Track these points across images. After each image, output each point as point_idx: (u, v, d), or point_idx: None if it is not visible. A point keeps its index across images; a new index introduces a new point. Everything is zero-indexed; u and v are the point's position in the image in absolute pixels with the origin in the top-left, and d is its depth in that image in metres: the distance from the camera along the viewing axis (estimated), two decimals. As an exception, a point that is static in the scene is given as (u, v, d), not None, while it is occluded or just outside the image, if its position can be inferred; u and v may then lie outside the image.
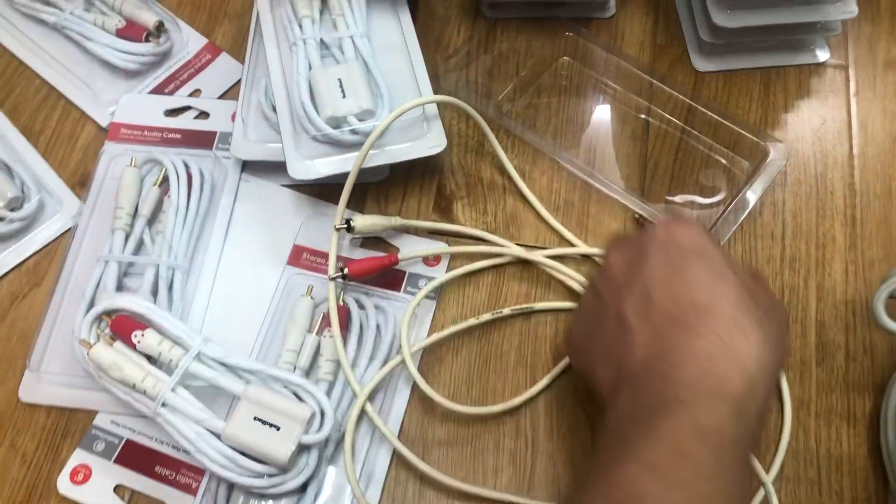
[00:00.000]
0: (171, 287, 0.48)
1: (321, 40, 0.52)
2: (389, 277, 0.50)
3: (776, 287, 0.49)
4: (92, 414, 0.47)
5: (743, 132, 0.53)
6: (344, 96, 0.49)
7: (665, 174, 0.53)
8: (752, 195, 0.51)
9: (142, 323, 0.44)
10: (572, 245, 0.51)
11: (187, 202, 0.51)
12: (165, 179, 0.51)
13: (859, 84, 0.56)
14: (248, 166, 0.53)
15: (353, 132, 0.49)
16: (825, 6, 0.53)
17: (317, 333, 0.47)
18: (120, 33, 0.57)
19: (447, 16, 0.60)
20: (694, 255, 0.37)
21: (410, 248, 0.50)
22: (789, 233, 0.51)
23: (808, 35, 0.56)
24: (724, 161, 0.53)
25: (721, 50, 0.56)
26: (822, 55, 0.57)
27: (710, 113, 0.53)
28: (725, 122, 0.53)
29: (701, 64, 0.57)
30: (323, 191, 0.52)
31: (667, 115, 0.55)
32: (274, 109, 0.51)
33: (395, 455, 0.45)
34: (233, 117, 0.54)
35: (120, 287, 0.49)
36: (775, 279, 0.50)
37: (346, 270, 0.47)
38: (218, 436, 0.41)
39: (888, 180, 0.53)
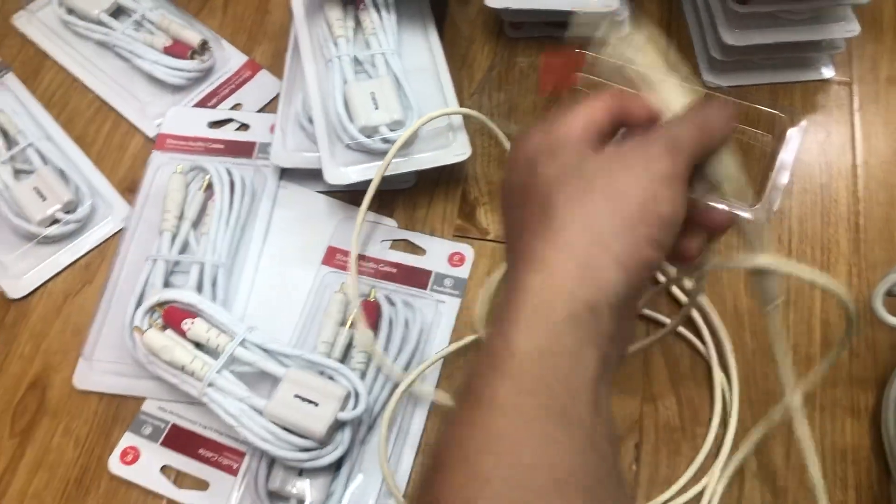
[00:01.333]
0: (214, 283, 0.52)
1: (355, 57, 0.56)
2: (416, 277, 0.53)
3: (783, 288, 0.52)
4: (140, 400, 0.50)
5: (756, 107, 0.56)
6: (376, 108, 0.53)
7: None
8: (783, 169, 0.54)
9: (191, 313, 0.48)
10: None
11: (230, 206, 0.54)
12: (209, 185, 0.55)
13: (862, 99, 0.59)
14: (285, 174, 0.57)
15: (385, 140, 0.52)
16: (829, 25, 0.57)
17: (349, 327, 0.50)
18: (167, 51, 0.61)
19: (472, 35, 0.63)
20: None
21: (436, 252, 0.54)
22: (795, 238, 0.54)
23: (813, 53, 0.59)
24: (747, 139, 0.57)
25: (730, 67, 0.60)
26: (828, 72, 0.60)
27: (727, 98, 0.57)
28: (742, 101, 0.56)
29: (711, 79, 0.60)
30: (355, 196, 0.56)
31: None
32: (311, 121, 0.55)
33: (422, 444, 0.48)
34: (271, 129, 0.58)
35: (167, 284, 0.52)
36: (782, 280, 0.53)
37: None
38: (260, 412, 0.45)
39: (890, 189, 0.56)
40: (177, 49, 0.61)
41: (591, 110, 0.34)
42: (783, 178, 0.55)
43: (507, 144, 0.56)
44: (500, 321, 0.30)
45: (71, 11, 0.64)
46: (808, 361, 0.50)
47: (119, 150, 0.60)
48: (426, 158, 0.53)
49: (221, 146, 0.58)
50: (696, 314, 0.51)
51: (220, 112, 0.60)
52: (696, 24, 0.62)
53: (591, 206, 0.31)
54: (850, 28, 0.57)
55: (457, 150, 0.53)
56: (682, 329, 0.51)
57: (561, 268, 0.30)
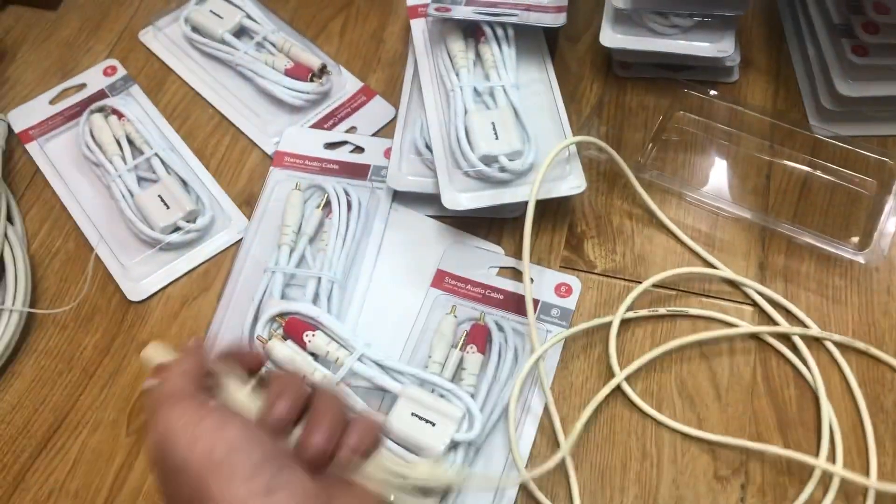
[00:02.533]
0: (329, 298, 0.53)
1: (474, 88, 0.57)
2: (523, 304, 0.54)
3: (891, 341, 0.52)
4: (252, 408, 0.51)
5: (867, 153, 0.57)
6: (496, 138, 0.54)
7: (790, 207, 0.57)
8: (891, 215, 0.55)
9: (312, 325, 0.49)
10: (713, 267, 0.55)
11: (346, 225, 0.56)
12: (327, 203, 0.57)
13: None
14: (397, 197, 0.59)
15: (503, 170, 0.54)
16: (942, 84, 0.57)
17: (460, 349, 0.51)
18: (288, 72, 0.63)
19: (580, 72, 0.65)
20: None
21: (544, 282, 0.55)
22: (904, 290, 0.54)
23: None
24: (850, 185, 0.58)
25: (840, 116, 0.60)
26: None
27: (834, 142, 0.58)
28: (849, 147, 0.58)
29: (819, 129, 0.61)
30: (464, 222, 0.57)
31: (789, 163, 0.59)
32: (427, 147, 0.56)
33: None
34: (385, 153, 0.60)
35: (283, 296, 0.54)
36: (892, 332, 0.52)
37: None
38: (381, 428, 0.46)
39: None
40: (297, 71, 0.63)
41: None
42: (891, 224, 0.56)
43: (625, 167, 0.57)
44: None
45: (196, 29, 0.67)
46: (919, 414, 0.50)
47: (237, 164, 0.62)
48: (543, 189, 0.54)
49: (336, 167, 0.60)
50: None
51: (336, 134, 0.62)
52: (804, 73, 0.63)
53: None
54: (963, 87, 0.57)
55: (572, 182, 0.54)
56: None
57: None
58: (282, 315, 0.50)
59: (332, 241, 0.55)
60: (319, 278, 0.54)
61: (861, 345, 0.52)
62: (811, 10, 0.60)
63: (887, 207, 0.56)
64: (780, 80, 0.64)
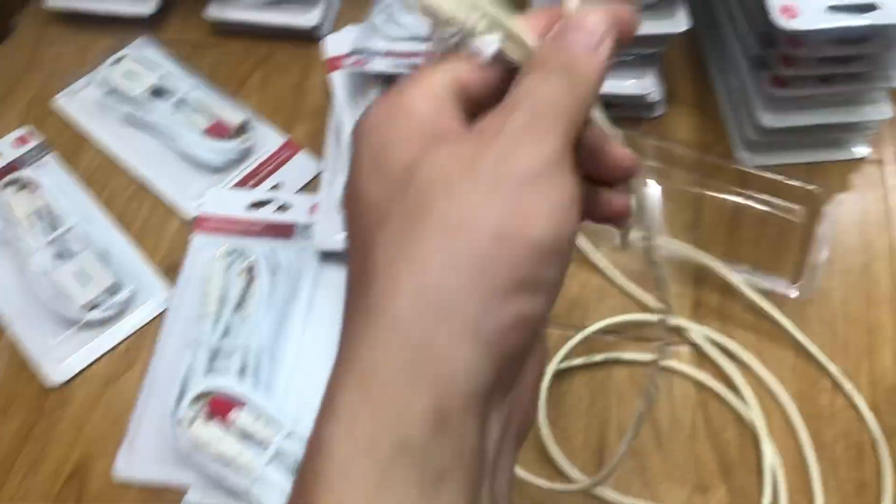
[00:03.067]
0: (258, 368, 0.52)
1: (397, 140, 0.56)
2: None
3: (831, 373, 0.52)
4: (181, 493, 0.49)
5: (793, 182, 0.57)
6: (420, 192, 0.53)
7: (722, 241, 0.57)
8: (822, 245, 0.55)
9: (238, 402, 0.47)
10: (648, 308, 0.55)
11: (272, 289, 0.54)
12: (251, 268, 0.55)
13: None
14: (326, 255, 0.57)
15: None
16: (863, 107, 0.57)
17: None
18: (207, 131, 0.62)
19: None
20: None
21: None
22: (840, 320, 0.54)
23: (847, 133, 0.60)
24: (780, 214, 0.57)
25: (765, 147, 0.60)
26: (861, 151, 0.61)
27: (761, 174, 0.58)
28: (776, 177, 0.58)
29: (746, 159, 0.61)
30: (395, 278, 0.56)
31: (719, 196, 0.59)
32: (352, 203, 0.55)
33: None
34: (312, 209, 0.58)
35: (209, 369, 0.52)
36: (829, 365, 0.52)
37: None
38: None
39: (930, 269, 0.56)
40: (217, 129, 0.61)
41: (453, 66, 0.25)
42: (822, 255, 0.56)
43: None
44: (307, 468, 0.22)
45: (111, 92, 0.65)
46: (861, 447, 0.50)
47: (159, 230, 0.60)
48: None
49: (261, 227, 0.59)
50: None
51: (260, 193, 0.61)
52: (728, 105, 0.63)
53: (422, 251, 0.22)
54: (884, 110, 0.57)
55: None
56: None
57: (382, 373, 0.21)
58: (207, 393, 0.48)
59: (258, 307, 0.53)
60: (246, 347, 0.52)
61: (797, 382, 0.51)
62: (730, 43, 0.60)
63: (817, 236, 0.56)
64: (705, 112, 0.64)
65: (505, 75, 0.25)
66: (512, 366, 0.23)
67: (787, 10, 0.48)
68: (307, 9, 0.67)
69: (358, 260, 0.23)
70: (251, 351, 0.52)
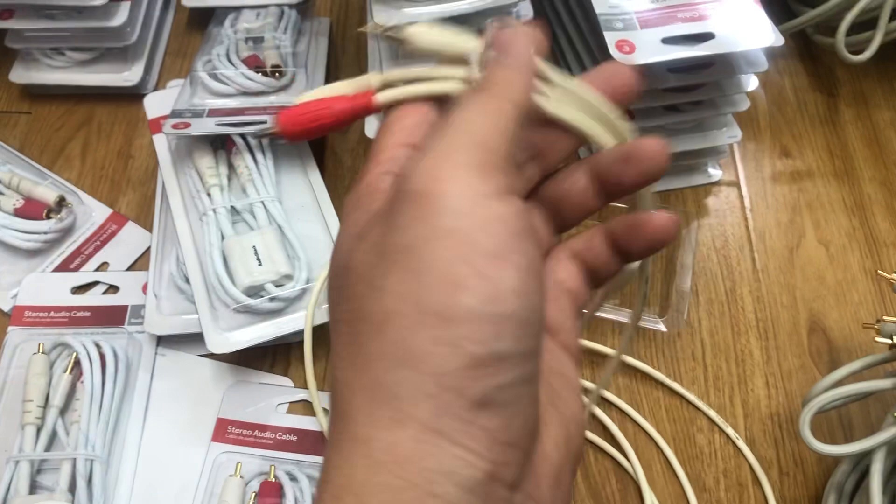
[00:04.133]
0: (90, 481, 0.46)
1: (232, 207, 0.51)
2: (321, 443, 0.48)
3: (705, 412, 0.50)
4: None
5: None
6: (260, 264, 0.48)
7: None
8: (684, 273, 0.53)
9: (61, 533, 0.41)
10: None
11: (102, 386, 0.48)
12: (77, 364, 0.49)
13: (752, 199, 0.60)
14: (163, 340, 0.52)
15: (273, 299, 0.48)
16: (714, 132, 0.57)
17: (251, 516, 0.44)
18: (18, 212, 0.55)
19: (355, 165, 0.60)
20: None
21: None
22: (709, 352, 0.53)
23: (700, 159, 0.59)
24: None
25: (621, 178, 0.59)
26: (715, 174, 0.60)
27: (618, 204, 0.56)
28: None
29: (604, 193, 0.59)
30: (243, 357, 0.51)
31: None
32: (187, 281, 0.50)
33: None
34: (144, 289, 0.53)
35: (33, 487, 0.45)
36: (703, 398, 0.51)
37: (275, 127, 0.26)
38: None
39: (791, 290, 0.55)
40: (29, 209, 0.55)
41: (400, 122, 0.25)
42: (686, 284, 0.55)
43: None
44: None
45: None
46: (741, 488, 0.48)
47: (-32, 329, 0.53)
48: (323, 311, 0.49)
49: (88, 314, 0.52)
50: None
51: (85, 275, 0.54)
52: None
53: (363, 356, 0.21)
54: (733, 134, 0.57)
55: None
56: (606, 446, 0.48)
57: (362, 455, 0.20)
58: (24, 523, 0.42)
59: (87, 409, 0.47)
60: (75, 459, 0.46)
61: (672, 424, 0.50)
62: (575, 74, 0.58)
63: (678, 266, 0.55)
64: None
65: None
66: (507, 452, 0.21)
67: (624, 45, 0.46)
68: (126, 65, 0.61)
69: (332, 378, 0.23)
70: (81, 461, 0.46)
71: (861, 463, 0.45)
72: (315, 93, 0.26)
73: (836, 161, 0.61)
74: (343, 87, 0.27)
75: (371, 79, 0.26)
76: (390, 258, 0.21)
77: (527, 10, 0.51)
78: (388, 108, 0.26)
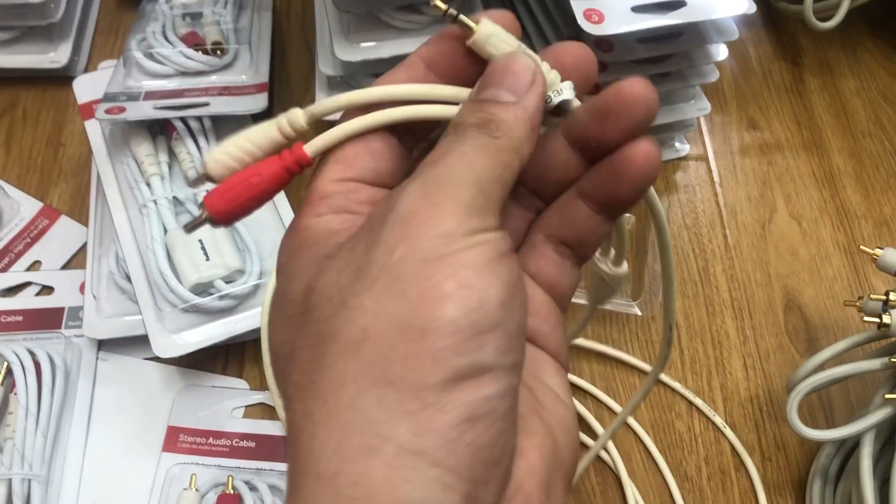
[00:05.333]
0: (28, 503, 0.42)
1: (174, 198, 0.47)
2: (279, 449, 0.45)
3: (685, 396, 0.48)
4: None
5: None
6: (207, 258, 0.45)
7: None
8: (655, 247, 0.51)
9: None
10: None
11: (38, 397, 0.44)
12: (9, 373, 0.45)
13: (721, 174, 0.58)
14: (105, 343, 0.48)
15: (223, 297, 0.44)
16: (681, 105, 0.54)
17: (209, 529, 0.41)
18: (-64, 209, 0.50)
19: (306, 148, 0.57)
20: None
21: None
22: (684, 334, 0.51)
23: (667, 133, 0.57)
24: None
25: (588, 155, 0.56)
26: (683, 148, 0.58)
27: None
28: None
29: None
30: (193, 358, 0.47)
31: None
32: (129, 279, 0.46)
33: None
34: (82, 289, 0.49)
35: (-36, 513, 0.41)
36: (681, 383, 0.49)
37: (204, 213, 0.23)
38: None
39: (765, 266, 0.54)
40: (-51, 205, 0.50)
41: (338, 160, 0.23)
42: (658, 265, 0.52)
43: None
44: None
45: None
46: (724, 475, 0.46)
47: None
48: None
49: (20, 318, 0.48)
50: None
51: (14, 275, 0.50)
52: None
53: (331, 381, 0.20)
54: (702, 106, 0.55)
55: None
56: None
57: None
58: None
59: (22, 424, 0.43)
60: (10, 480, 0.42)
61: (651, 411, 0.48)
62: (538, 48, 0.55)
63: (649, 246, 0.53)
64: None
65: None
66: (489, 471, 0.20)
67: (592, 14, 0.44)
68: (52, 45, 0.57)
69: (287, 416, 0.21)
70: (17, 482, 0.42)
71: (845, 444, 0.44)
72: (234, 141, 0.23)
73: (805, 132, 0.60)
74: (266, 131, 0.23)
75: (297, 115, 0.23)
76: (371, 276, 0.20)
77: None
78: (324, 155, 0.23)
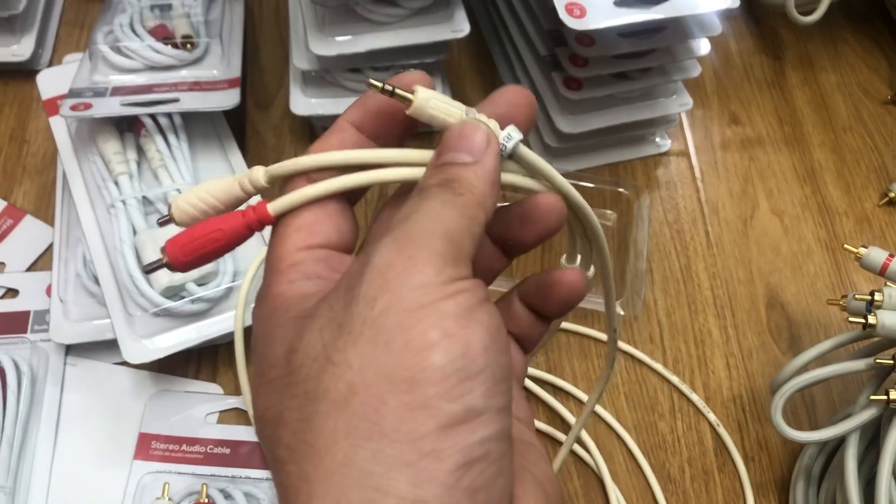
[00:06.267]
0: (-8, 516, 0.40)
1: (143, 197, 0.46)
2: (254, 455, 0.44)
3: (666, 394, 0.48)
4: None
5: (602, 186, 0.54)
6: (179, 260, 0.43)
7: (534, 263, 0.52)
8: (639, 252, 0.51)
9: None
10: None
11: (3, 405, 0.43)
12: (-29, 380, 0.43)
13: (703, 169, 0.57)
14: (73, 347, 0.46)
15: (195, 300, 0.43)
16: (662, 101, 0.54)
17: (182, 543, 0.40)
18: None
19: (279, 145, 0.55)
20: None
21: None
22: (667, 333, 0.50)
23: (649, 129, 0.56)
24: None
25: (567, 152, 0.55)
26: (664, 144, 0.58)
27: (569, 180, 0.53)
28: (583, 182, 0.54)
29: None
30: (165, 363, 0.46)
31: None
32: (97, 281, 0.44)
33: None
34: (48, 291, 0.47)
35: (-75, 527, 0.40)
36: (663, 384, 0.48)
37: (165, 259, 0.24)
38: None
39: (747, 264, 0.53)
40: None
41: (299, 228, 0.23)
42: (641, 263, 0.52)
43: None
44: None
45: None
46: (707, 476, 0.46)
47: None
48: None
49: (-17, 323, 0.46)
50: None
51: (-23, 278, 0.48)
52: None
53: (324, 439, 0.20)
54: (684, 101, 0.54)
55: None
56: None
57: None
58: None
59: (-14, 434, 0.42)
60: (-27, 492, 0.40)
61: (633, 412, 0.47)
62: (519, 45, 0.54)
63: (631, 244, 0.52)
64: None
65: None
66: None
67: (574, 9, 0.43)
68: (14, 37, 0.55)
69: (279, 480, 0.21)
70: (-19, 494, 0.40)
71: (829, 444, 0.44)
72: (197, 193, 0.24)
73: (786, 127, 0.59)
74: (228, 187, 0.24)
75: (258, 173, 0.24)
76: (354, 330, 0.20)
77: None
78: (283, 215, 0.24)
